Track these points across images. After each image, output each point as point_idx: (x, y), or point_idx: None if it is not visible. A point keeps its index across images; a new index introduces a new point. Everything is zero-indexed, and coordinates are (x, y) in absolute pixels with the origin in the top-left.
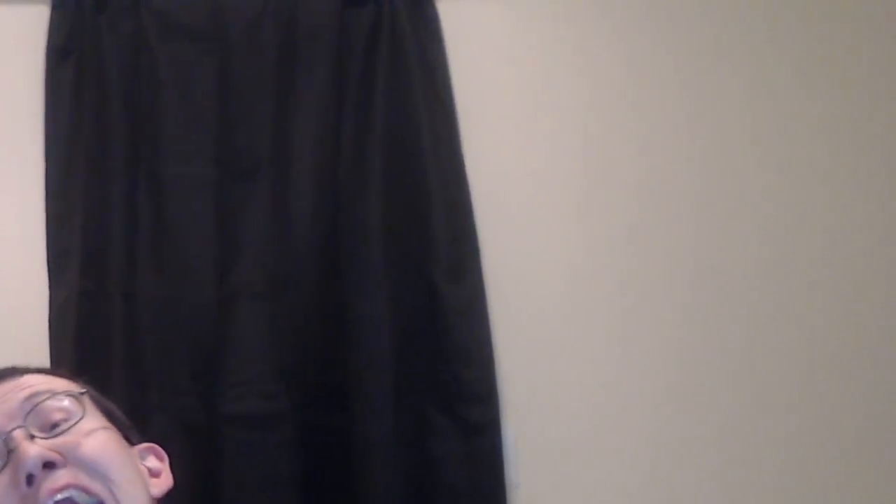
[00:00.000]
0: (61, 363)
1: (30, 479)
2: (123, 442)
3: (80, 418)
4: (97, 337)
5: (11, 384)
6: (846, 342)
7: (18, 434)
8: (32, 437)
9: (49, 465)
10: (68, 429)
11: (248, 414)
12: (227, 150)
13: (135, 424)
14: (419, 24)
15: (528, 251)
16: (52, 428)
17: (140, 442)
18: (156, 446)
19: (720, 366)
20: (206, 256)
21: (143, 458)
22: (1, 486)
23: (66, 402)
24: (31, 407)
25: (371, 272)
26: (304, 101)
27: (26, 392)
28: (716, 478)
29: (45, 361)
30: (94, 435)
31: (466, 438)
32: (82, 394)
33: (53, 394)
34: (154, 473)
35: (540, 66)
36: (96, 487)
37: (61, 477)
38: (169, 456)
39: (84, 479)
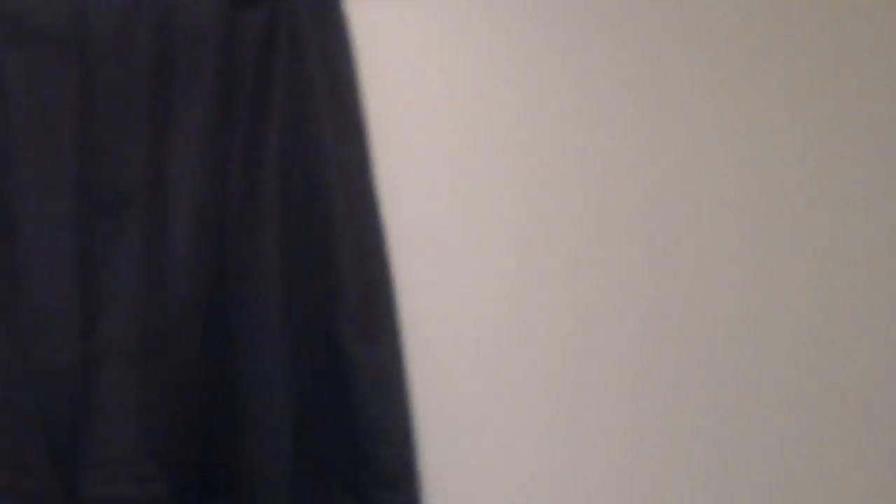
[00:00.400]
0: None
1: None
2: None
3: None
4: None
5: None
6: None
7: None
8: None
9: None
10: None
11: (116, 499)
12: (90, 180)
13: None
14: (324, 26)
15: (456, 303)
16: None
17: None
18: None
19: (680, 436)
20: (64, 308)
21: None
22: None
23: None
24: None
25: (265, 329)
26: (184, 120)
27: None
28: None
29: None
30: None
31: None
32: None
33: None
34: None
35: (473, 77)
36: None
37: None
38: None
39: None
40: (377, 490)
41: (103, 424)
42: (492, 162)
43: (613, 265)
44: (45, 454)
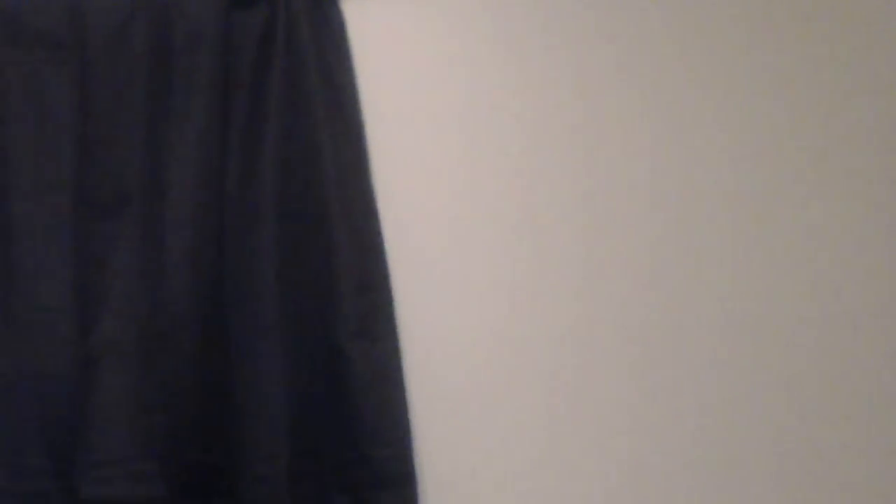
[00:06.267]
0: None
1: None
2: None
3: None
4: None
5: None
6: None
7: None
8: None
9: None
10: None
11: (114, 499)
12: (88, 181)
13: None
14: (321, 28)
15: (452, 302)
16: None
17: None
18: None
19: (676, 427)
20: (62, 309)
21: None
22: None
23: None
24: None
25: (262, 329)
26: (182, 121)
27: None
28: None
29: None
30: None
31: None
32: None
33: None
34: None
35: (469, 78)
36: None
37: None
38: None
39: None
40: (374, 490)
41: (102, 425)
42: (489, 163)
43: (613, 266)
44: (45, 455)
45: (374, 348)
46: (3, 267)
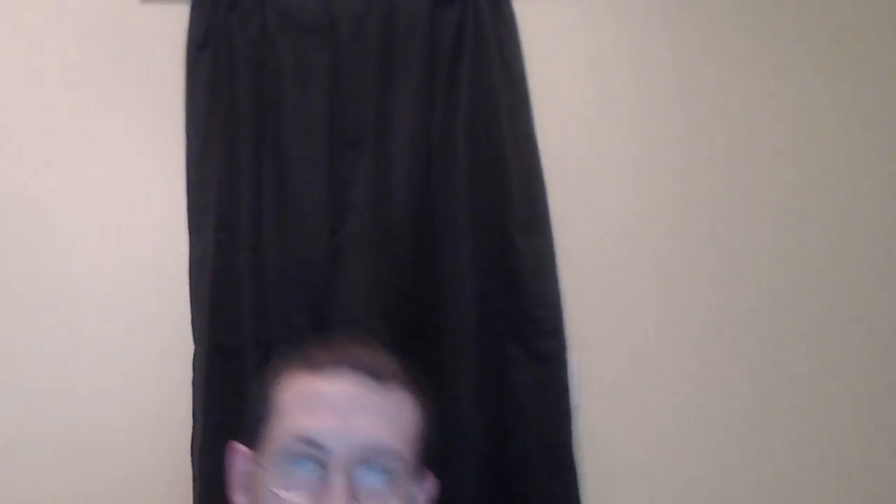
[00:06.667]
0: (199, 302)
1: None
2: None
3: (385, 501)
4: (229, 281)
5: (369, 393)
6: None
7: (340, 479)
8: (350, 485)
9: None
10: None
11: None
12: (338, 126)
13: (263, 355)
14: (498, 20)
15: (589, 210)
16: (368, 491)
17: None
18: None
19: (759, 311)
20: (319, 214)
21: (414, 497)
22: (302, 487)
23: (389, 486)
24: (363, 460)
25: (457, 228)
26: (402, 84)
27: (370, 440)
28: (754, 400)
29: (186, 302)
30: None
31: (538, 367)
32: (405, 475)
33: (388, 475)
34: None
35: (598, 58)
36: None
37: None
38: None
39: None
40: (536, 340)
41: (346, 294)
42: (614, 116)
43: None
44: (306, 315)
45: (535, 240)
46: (279, 186)
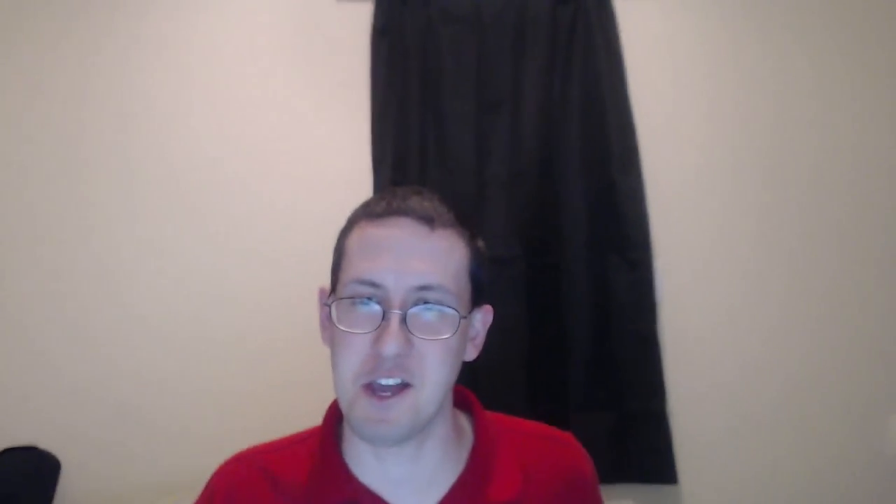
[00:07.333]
0: None
1: (380, 356)
2: (457, 350)
3: (443, 336)
4: None
5: (422, 237)
6: None
7: (395, 316)
8: (404, 321)
9: (398, 355)
10: (430, 339)
11: (495, 257)
12: (482, 93)
13: None
14: (603, 16)
15: (672, 154)
16: (422, 325)
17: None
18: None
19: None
20: (469, 159)
21: (473, 324)
22: (364, 325)
23: (441, 319)
24: (418, 298)
25: (572, 169)
26: (530, 62)
27: (423, 278)
28: (809, 277)
29: None
30: (441, 350)
31: (631, 271)
32: (457, 308)
33: (440, 310)
34: (474, 339)
35: (682, 45)
36: (415, 381)
37: (398, 370)
38: None
39: (408, 376)
40: (629, 251)
41: (490, 219)
42: (696, 88)
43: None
44: None
45: (629, 178)
46: (439, 138)
